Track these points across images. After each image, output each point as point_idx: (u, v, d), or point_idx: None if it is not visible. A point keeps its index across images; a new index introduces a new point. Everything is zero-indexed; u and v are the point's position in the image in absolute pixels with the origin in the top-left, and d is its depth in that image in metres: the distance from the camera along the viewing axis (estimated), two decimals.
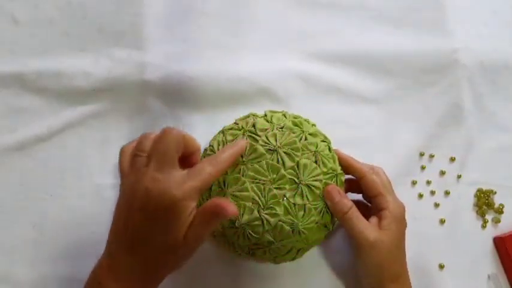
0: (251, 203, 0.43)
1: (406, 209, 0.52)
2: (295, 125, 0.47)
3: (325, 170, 0.45)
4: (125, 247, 0.38)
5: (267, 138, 0.45)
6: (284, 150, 0.44)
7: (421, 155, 0.57)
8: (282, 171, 0.44)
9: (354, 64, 0.58)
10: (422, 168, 0.57)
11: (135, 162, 0.38)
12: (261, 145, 0.44)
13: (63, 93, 0.54)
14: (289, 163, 0.44)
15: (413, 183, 0.57)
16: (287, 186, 0.43)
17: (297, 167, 0.44)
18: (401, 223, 0.48)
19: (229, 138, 0.46)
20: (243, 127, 0.47)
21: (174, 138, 0.37)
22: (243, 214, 0.43)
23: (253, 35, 0.57)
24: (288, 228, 0.43)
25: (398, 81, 0.58)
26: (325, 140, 0.49)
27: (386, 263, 0.45)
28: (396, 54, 0.58)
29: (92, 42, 0.55)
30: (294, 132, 0.46)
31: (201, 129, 0.53)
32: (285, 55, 0.57)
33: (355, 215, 0.45)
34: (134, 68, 0.54)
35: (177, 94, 0.54)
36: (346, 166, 0.48)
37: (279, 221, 0.43)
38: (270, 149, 0.44)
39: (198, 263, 0.51)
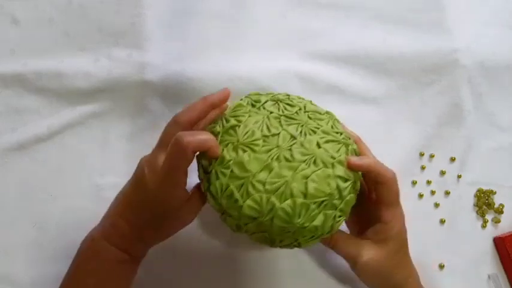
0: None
1: (406, 209, 0.52)
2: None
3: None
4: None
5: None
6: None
7: (421, 155, 0.57)
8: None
9: (354, 64, 0.58)
10: (422, 168, 0.57)
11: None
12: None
13: (63, 93, 0.54)
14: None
15: (413, 183, 0.57)
16: None
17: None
18: (401, 235, 0.46)
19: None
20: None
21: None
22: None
23: (253, 35, 0.57)
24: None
25: (398, 81, 0.58)
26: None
27: (380, 279, 0.46)
28: (396, 54, 0.58)
29: (92, 42, 0.55)
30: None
31: None
32: (285, 55, 0.57)
33: (341, 237, 0.46)
34: (134, 68, 0.54)
35: (177, 94, 0.54)
36: (368, 171, 0.43)
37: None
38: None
39: (197, 262, 0.51)
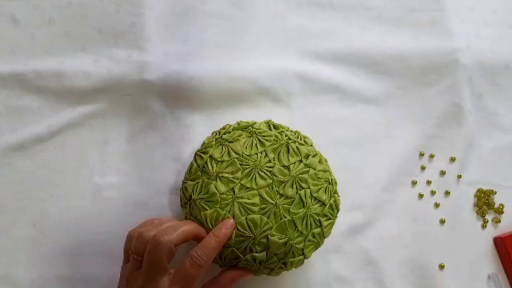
0: None
1: (406, 209, 0.52)
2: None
3: None
4: None
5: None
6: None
7: (421, 155, 0.57)
8: None
9: (354, 64, 0.58)
10: (422, 168, 0.57)
11: (131, 264, 0.41)
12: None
13: (63, 93, 0.54)
14: None
15: (413, 183, 0.57)
16: None
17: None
18: None
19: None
20: None
21: (164, 249, 0.39)
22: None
23: (254, 35, 0.57)
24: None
25: (398, 81, 0.58)
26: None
27: None
28: (396, 54, 0.58)
29: (92, 42, 0.55)
30: None
31: (201, 129, 0.53)
32: (285, 55, 0.57)
33: None
34: (134, 68, 0.54)
35: (177, 94, 0.54)
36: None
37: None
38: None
39: None
